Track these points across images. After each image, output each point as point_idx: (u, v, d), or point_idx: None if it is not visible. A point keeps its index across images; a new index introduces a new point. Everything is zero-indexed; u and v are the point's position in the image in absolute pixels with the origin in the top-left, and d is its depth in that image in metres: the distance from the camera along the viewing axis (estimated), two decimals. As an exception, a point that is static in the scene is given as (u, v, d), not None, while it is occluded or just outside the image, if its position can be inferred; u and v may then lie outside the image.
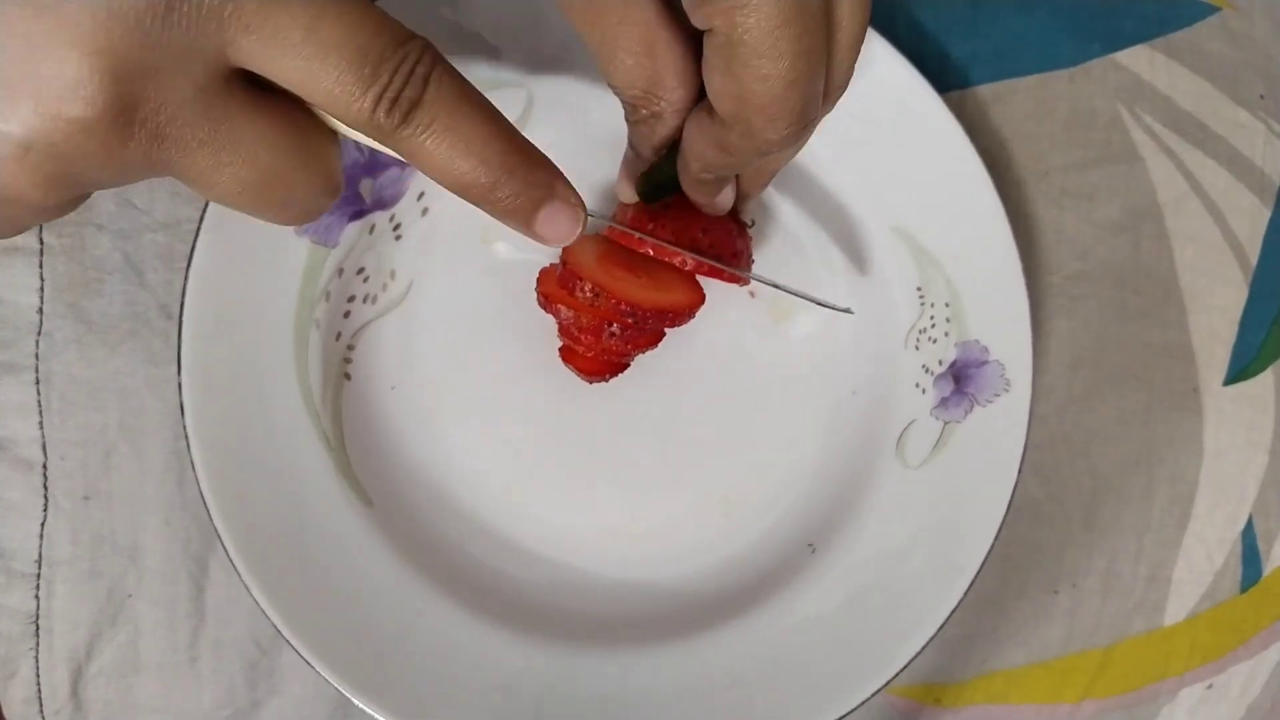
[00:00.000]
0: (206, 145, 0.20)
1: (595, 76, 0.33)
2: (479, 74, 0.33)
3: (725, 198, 0.31)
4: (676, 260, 0.31)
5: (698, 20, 0.23)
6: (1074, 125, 0.38)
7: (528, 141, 0.22)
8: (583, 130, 0.35)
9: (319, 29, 0.19)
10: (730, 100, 0.24)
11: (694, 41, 0.25)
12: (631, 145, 0.30)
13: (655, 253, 0.31)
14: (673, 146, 0.29)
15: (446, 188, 0.22)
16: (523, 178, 0.22)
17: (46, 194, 0.19)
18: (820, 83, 0.24)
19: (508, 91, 0.34)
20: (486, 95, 0.34)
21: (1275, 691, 0.39)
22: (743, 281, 0.33)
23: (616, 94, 0.27)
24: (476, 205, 0.22)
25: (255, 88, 0.20)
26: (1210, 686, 0.39)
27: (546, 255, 0.34)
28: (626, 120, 0.28)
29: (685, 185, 0.30)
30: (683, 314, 0.33)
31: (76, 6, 0.17)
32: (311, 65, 0.19)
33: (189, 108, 0.19)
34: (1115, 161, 0.38)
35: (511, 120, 0.34)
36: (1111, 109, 0.38)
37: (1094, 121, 0.38)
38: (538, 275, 0.33)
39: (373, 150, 0.32)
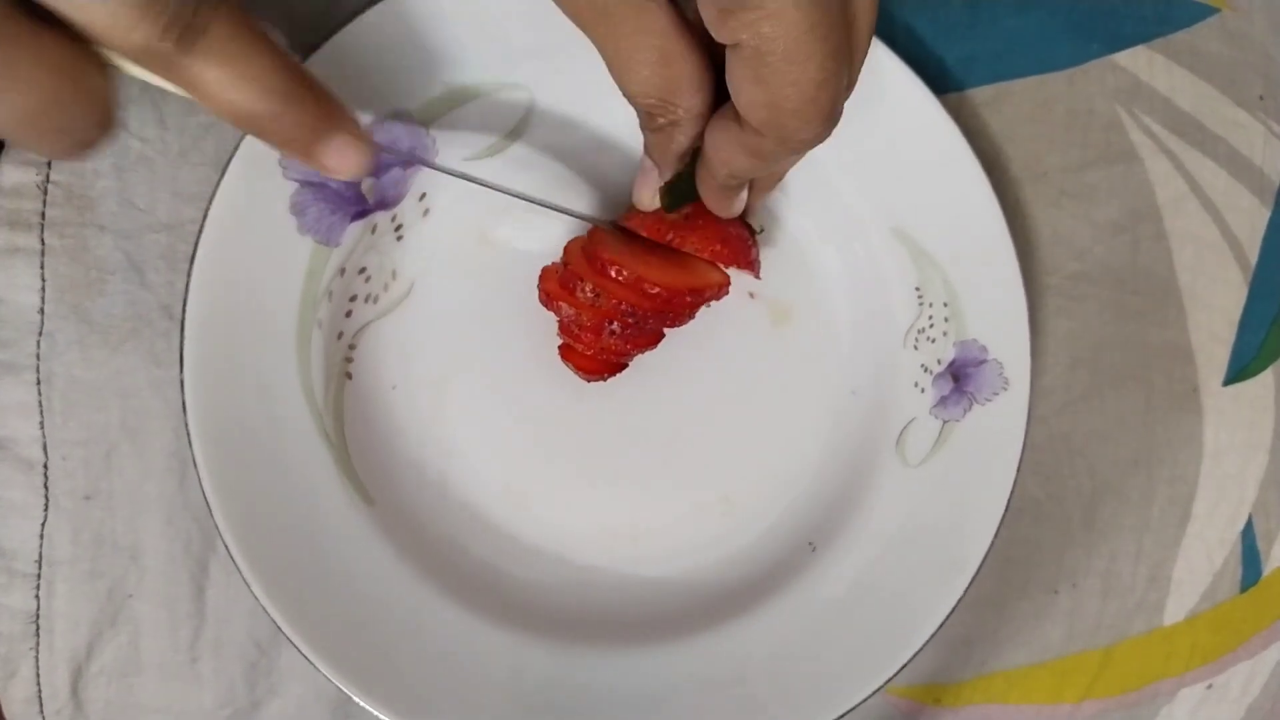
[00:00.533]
0: None
1: (596, 77, 0.33)
2: (479, 74, 0.33)
3: (740, 201, 0.31)
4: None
5: (722, 35, 0.23)
6: (1072, 126, 0.38)
7: (309, 73, 0.23)
8: (584, 131, 0.35)
9: None
10: (763, 109, 0.24)
11: (708, 47, 0.25)
12: (649, 154, 0.30)
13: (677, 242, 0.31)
14: (692, 156, 0.29)
15: (227, 119, 0.22)
16: (305, 107, 0.22)
17: None
18: (845, 75, 0.24)
19: (508, 92, 0.34)
20: (488, 96, 0.34)
21: (1275, 692, 0.39)
22: (754, 271, 0.33)
23: (632, 103, 0.27)
24: (258, 137, 0.23)
25: (29, 15, 0.20)
26: (1210, 687, 0.39)
27: (549, 254, 0.34)
28: (642, 129, 0.28)
29: (707, 193, 0.30)
30: (711, 294, 0.32)
31: None
32: None
33: None
34: (1114, 162, 0.38)
35: (513, 122, 0.35)
36: (1110, 110, 0.38)
37: (1092, 122, 0.38)
38: (540, 273, 0.33)
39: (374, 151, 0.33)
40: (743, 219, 0.32)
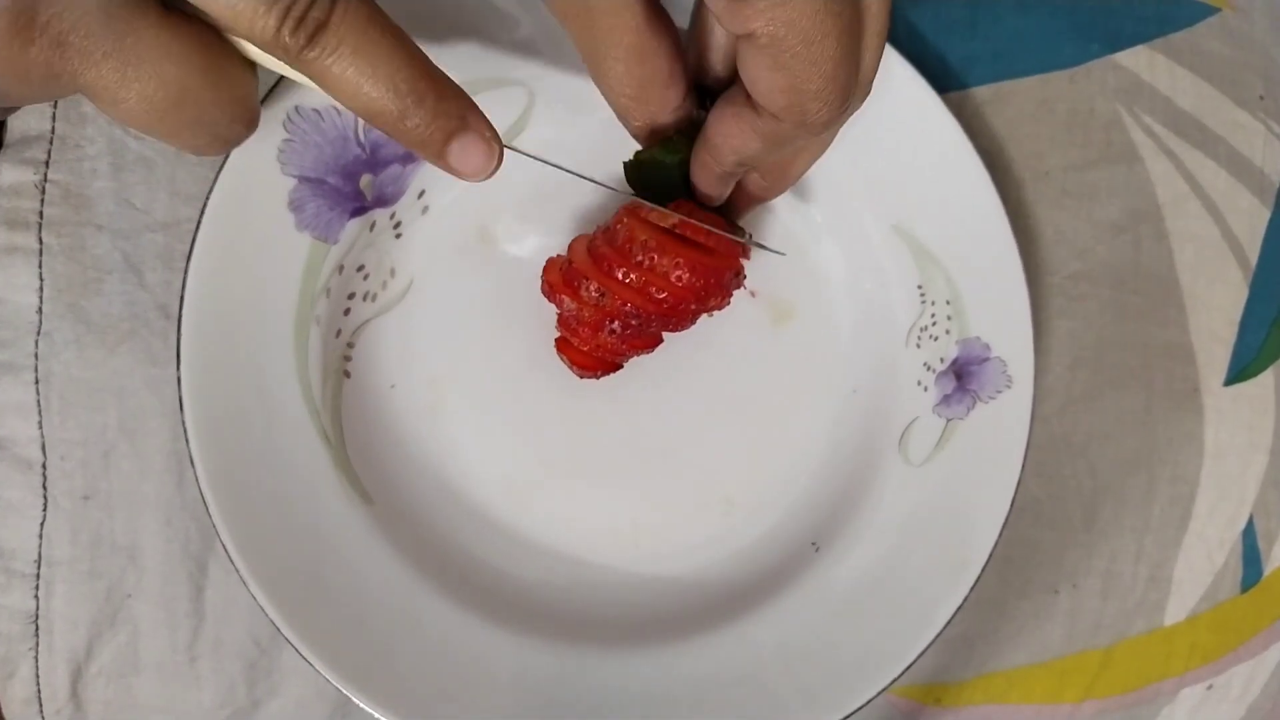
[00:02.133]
0: (111, 58, 0.20)
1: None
2: (478, 70, 0.33)
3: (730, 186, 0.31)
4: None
5: (734, 26, 0.23)
6: (1074, 126, 0.38)
7: (439, 70, 0.22)
8: (585, 125, 0.34)
9: None
10: (782, 93, 0.24)
11: (678, 43, 0.25)
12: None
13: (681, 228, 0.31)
14: (674, 145, 0.29)
15: (355, 113, 0.22)
16: (432, 106, 0.22)
17: None
18: (860, 48, 0.24)
19: (507, 88, 0.34)
20: (486, 93, 0.34)
21: (1275, 692, 0.39)
22: (744, 255, 0.33)
23: (608, 99, 0.27)
24: (387, 134, 0.22)
25: (164, 4, 0.20)
26: (1210, 687, 0.39)
27: (549, 250, 0.34)
28: (628, 128, 0.28)
29: (706, 180, 0.29)
30: (715, 304, 0.32)
31: None
32: None
33: (92, 17, 0.19)
34: (1115, 162, 0.38)
35: (513, 117, 0.35)
36: (1111, 109, 0.38)
37: (1094, 122, 0.38)
38: (545, 263, 0.33)
39: (373, 147, 0.33)
40: (731, 221, 0.32)
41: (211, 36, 0.21)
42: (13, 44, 0.18)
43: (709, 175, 0.29)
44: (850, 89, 0.24)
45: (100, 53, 0.19)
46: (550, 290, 0.33)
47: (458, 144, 0.23)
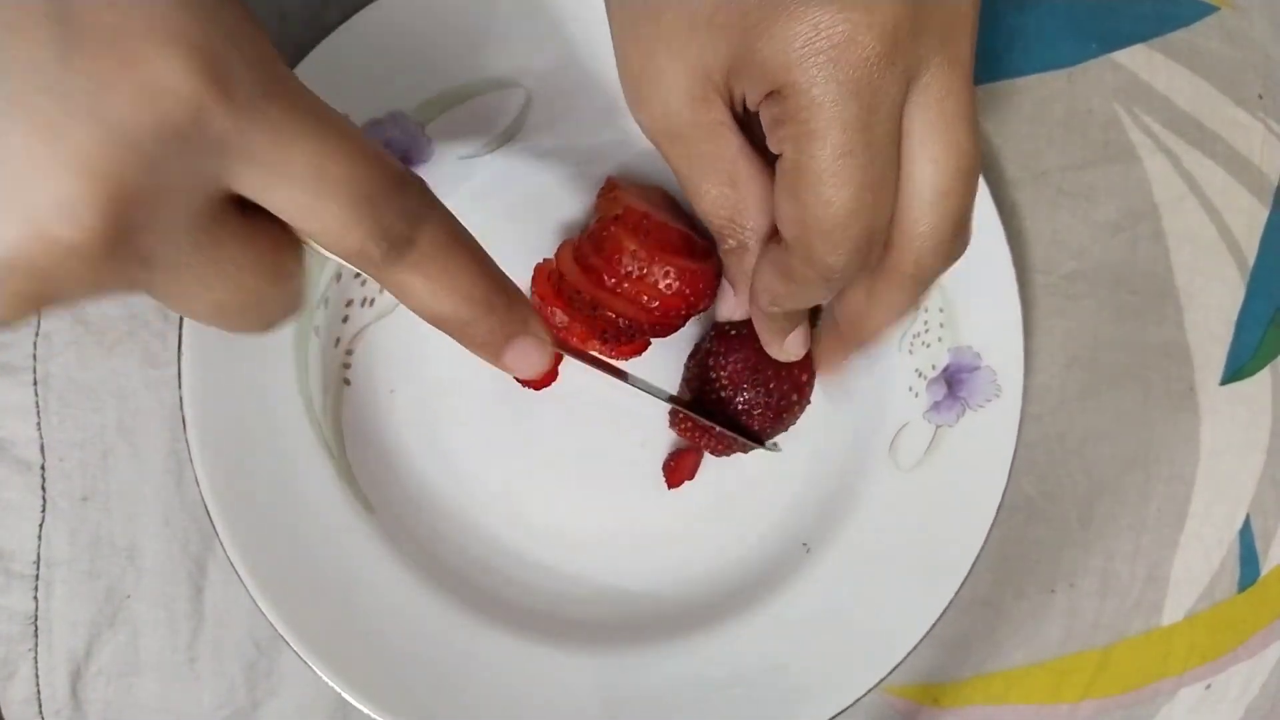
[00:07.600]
0: (192, 269, 0.19)
1: (593, 74, 0.33)
2: (475, 72, 0.33)
3: (794, 344, 0.31)
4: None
5: (772, 144, 0.24)
6: (1072, 125, 0.38)
7: (508, 280, 0.23)
8: (583, 127, 0.34)
9: (326, 166, 0.19)
10: (794, 224, 0.24)
11: (771, 171, 0.26)
12: (724, 274, 0.31)
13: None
14: None
15: (423, 318, 0.22)
16: (500, 315, 0.23)
17: (14, 311, 0.18)
18: (884, 217, 0.24)
19: (505, 90, 0.34)
20: (484, 94, 0.34)
21: (1274, 692, 0.39)
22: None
23: (703, 221, 0.28)
24: (450, 336, 0.23)
25: (244, 212, 0.20)
26: (1209, 687, 0.39)
27: (547, 252, 0.34)
28: (719, 249, 0.29)
29: (756, 322, 0.31)
30: (704, 306, 0.32)
31: (84, 133, 0.16)
32: (313, 200, 0.19)
33: (181, 234, 0.19)
34: (1113, 161, 0.38)
35: (510, 120, 0.34)
36: (1109, 109, 0.38)
37: (1092, 121, 0.38)
38: (533, 272, 0.33)
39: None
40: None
41: (281, 235, 0.20)
42: (98, 263, 0.17)
43: (755, 316, 0.30)
44: (867, 246, 0.24)
45: (183, 265, 0.19)
46: (541, 304, 0.33)
47: (516, 347, 0.24)
